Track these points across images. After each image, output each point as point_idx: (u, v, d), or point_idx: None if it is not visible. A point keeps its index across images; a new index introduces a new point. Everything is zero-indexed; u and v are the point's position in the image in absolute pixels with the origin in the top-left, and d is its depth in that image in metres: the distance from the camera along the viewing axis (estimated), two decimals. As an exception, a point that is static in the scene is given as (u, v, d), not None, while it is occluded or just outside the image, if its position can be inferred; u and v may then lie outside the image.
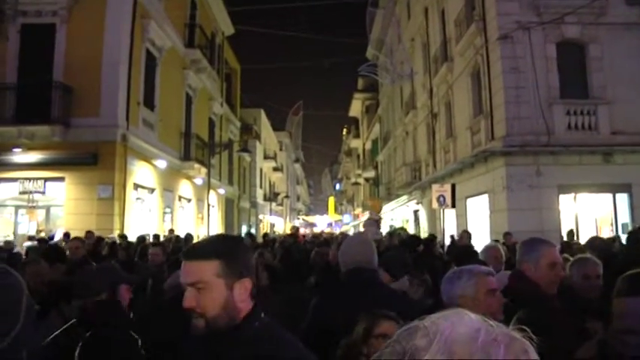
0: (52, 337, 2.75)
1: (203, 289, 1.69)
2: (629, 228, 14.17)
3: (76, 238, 8.11)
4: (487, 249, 5.99)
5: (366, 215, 46.62)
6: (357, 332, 2.57)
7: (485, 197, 16.42)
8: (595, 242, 6.76)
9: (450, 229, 17.24)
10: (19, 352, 1.42)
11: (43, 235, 14.20)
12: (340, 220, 76.81)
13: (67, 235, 12.61)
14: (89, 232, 11.21)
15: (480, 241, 12.56)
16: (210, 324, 1.69)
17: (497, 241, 10.67)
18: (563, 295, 3.24)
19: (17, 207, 15.80)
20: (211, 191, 23.83)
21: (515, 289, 3.06)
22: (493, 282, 2.72)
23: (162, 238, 15.93)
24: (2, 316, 1.42)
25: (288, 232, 24.50)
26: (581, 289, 3.63)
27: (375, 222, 8.22)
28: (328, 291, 3.71)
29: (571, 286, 3.61)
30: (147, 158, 17.83)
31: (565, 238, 11.86)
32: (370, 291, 3.29)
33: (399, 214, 33.21)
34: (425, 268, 5.57)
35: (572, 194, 14.98)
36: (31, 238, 13.45)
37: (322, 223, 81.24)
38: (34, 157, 14.90)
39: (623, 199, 15.02)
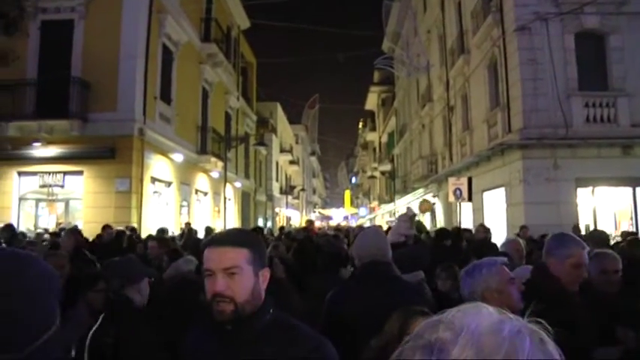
0: (92, 332, 2.80)
1: (236, 275, 1.77)
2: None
3: (70, 230, 8.06)
4: (508, 242, 5.99)
5: (383, 209, 46.55)
6: (390, 331, 2.47)
7: (501, 190, 16.30)
8: (594, 234, 6.80)
9: (466, 223, 17.13)
10: (54, 350, 1.41)
11: (61, 226, 14.34)
12: (356, 214, 76.77)
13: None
14: (107, 226, 11.24)
15: (497, 234, 12.49)
16: (239, 309, 1.76)
17: (518, 235, 10.60)
18: (582, 289, 3.23)
19: (37, 200, 16.00)
20: (228, 184, 23.86)
21: (537, 282, 3.06)
22: (509, 271, 2.74)
23: (178, 232, 16.08)
24: (42, 313, 1.40)
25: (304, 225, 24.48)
26: (599, 283, 3.59)
27: (409, 217, 8.07)
28: (343, 284, 3.76)
29: (589, 281, 3.53)
30: (164, 152, 17.92)
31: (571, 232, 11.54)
32: (385, 284, 3.31)
33: (415, 207, 33.03)
34: (454, 261, 5.54)
35: (590, 188, 14.77)
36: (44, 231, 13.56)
37: (338, 216, 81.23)
38: (53, 151, 15.06)
39: (643, 193, 14.80)
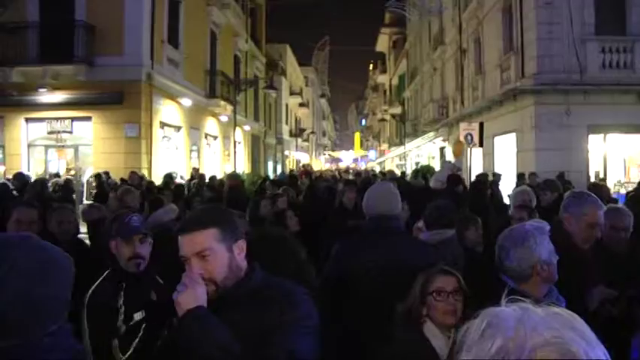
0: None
1: (209, 256, 1.82)
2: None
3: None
4: (517, 193, 5.78)
5: (393, 152, 46.42)
6: (413, 293, 2.48)
7: (512, 136, 16.20)
8: (549, 183, 6.81)
9: (476, 168, 17.02)
10: (66, 338, 1.51)
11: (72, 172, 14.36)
12: (366, 156, 76.71)
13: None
14: (133, 173, 11.23)
15: (507, 180, 12.42)
16: (220, 286, 1.83)
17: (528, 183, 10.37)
18: (593, 246, 3.21)
19: (47, 146, 15.95)
20: (237, 128, 23.73)
21: (552, 239, 2.93)
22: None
23: (188, 177, 16.08)
24: (58, 301, 1.48)
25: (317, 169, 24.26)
26: (608, 240, 3.47)
27: (452, 166, 8.01)
28: (349, 238, 3.72)
29: (600, 237, 3.41)
30: (172, 96, 17.75)
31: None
32: (390, 239, 3.31)
33: (425, 151, 33.00)
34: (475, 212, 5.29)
35: (602, 135, 14.63)
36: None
37: (348, 159, 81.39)
38: (60, 97, 14.88)
39: (654, 140, 14.60)
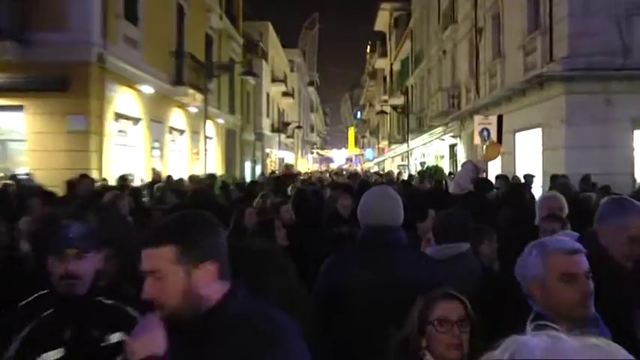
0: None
1: (160, 279, 1.78)
2: None
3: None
4: (544, 200, 5.57)
5: (394, 151, 46.32)
6: (411, 322, 2.47)
7: (537, 132, 16.14)
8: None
9: (493, 169, 16.83)
10: None
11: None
12: (361, 155, 76.82)
13: None
14: (84, 176, 10.53)
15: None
16: (172, 315, 1.77)
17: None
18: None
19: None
20: (208, 121, 23.71)
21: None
22: (574, 263, 2.34)
23: (148, 179, 15.61)
24: None
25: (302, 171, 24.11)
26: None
27: (474, 167, 7.80)
28: (342, 252, 3.72)
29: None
30: (130, 83, 17.33)
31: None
32: (389, 254, 3.32)
33: (432, 150, 32.93)
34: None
35: (652, 130, 14.48)
36: None
37: (340, 158, 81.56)
38: (-21, 80, 14.27)
39: None
